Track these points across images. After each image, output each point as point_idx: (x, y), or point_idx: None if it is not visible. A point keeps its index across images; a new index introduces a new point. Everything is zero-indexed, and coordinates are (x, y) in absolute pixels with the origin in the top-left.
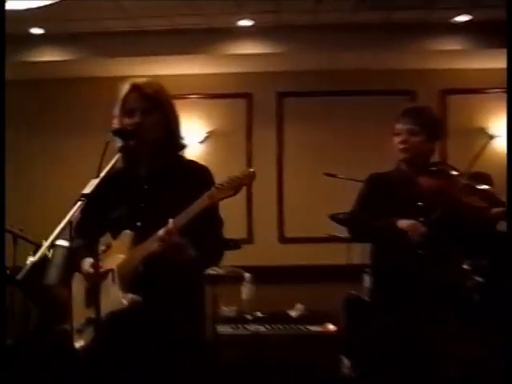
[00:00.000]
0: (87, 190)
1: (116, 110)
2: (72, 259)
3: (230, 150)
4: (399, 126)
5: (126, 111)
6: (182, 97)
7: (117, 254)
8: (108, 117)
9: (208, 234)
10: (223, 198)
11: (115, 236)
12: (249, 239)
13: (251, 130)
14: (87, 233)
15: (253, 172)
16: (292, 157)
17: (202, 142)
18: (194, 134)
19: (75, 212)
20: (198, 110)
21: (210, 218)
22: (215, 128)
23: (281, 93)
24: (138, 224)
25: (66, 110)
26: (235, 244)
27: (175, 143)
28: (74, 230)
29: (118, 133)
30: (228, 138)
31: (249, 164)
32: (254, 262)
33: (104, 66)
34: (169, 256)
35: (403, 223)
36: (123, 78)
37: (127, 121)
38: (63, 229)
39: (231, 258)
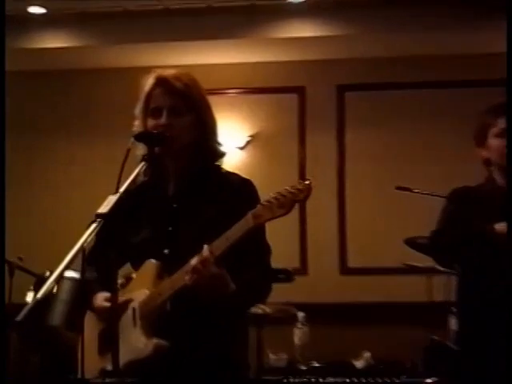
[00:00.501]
0: (103, 208)
1: (137, 110)
2: (83, 294)
3: (277, 158)
4: (502, 125)
5: (151, 111)
6: (217, 92)
7: (139, 288)
8: (126, 118)
9: (252, 264)
10: (271, 219)
11: (137, 266)
12: (302, 269)
13: (304, 132)
14: (103, 262)
15: (309, 185)
16: (356, 166)
17: (242, 149)
18: (233, 138)
19: (89, 237)
20: (238, 108)
21: (255, 244)
22: (259, 130)
23: (341, 86)
24: (166, 251)
25: (72, 109)
26: (286, 275)
27: (211, 150)
28: (87, 259)
29: (141, 137)
30: (275, 143)
31: (301, 175)
32: (309, 297)
33: (120, 54)
34: (204, 291)
35: (502, 227)
36: (145, 70)
37: (152, 122)
38: (73, 257)
39: (281, 293)
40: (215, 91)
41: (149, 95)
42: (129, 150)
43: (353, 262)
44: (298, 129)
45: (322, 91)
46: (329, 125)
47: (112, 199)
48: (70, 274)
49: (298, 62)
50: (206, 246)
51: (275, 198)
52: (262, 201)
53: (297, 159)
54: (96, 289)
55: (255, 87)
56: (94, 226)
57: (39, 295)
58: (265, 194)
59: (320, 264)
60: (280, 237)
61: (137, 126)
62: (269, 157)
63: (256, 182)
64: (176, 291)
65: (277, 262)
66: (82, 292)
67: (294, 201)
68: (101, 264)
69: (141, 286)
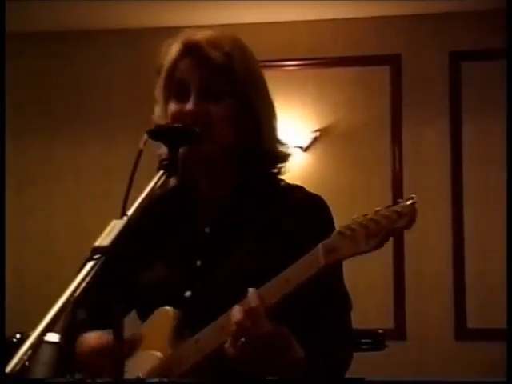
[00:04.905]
0: (104, 240)
1: (158, 90)
2: (70, 344)
3: (358, 162)
4: None
5: (176, 92)
6: (268, 65)
7: (147, 349)
8: (140, 99)
9: (325, 321)
10: (353, 255)
11: (145, 316)
12: (399, 332)
13: (400, 122)
14: (99, 305)
15: (413, 206)
16: (479, 172)
17: (306, 150)
18: (292, 134)
19: (82, 282)
20: (299, 89)
21: (328, 292)
22: (330, 123)
23: (456, 53)
24: (187, 294)
25: (67, 92)
26: (373, 341)
27: (266, 153)
28: (78, 301)
29: (158, 134)
30: (355, 140)
31: (397, 186)
32: (409, 371)
33: (134, 12)
34: (253, 361)
35: None
36: (165, 31)
37: (174, 107)
38: (59, 313)
39: (367, 365)
40: (265, 63)
41: (173, 68)
42: (141, 152)
43: (474, 322)
44: (390, 117)
45: (428, 61)
46: (437, 111)
47: (116, 226)
48: (52, 337)
49: (391, 19)
50: (252, 290)
51: (361, 225)
52: (339, 228)
53: (389, 162)
54: (83, 329)
55: (325, 57)
56: (88, 267)
57: (10, 365)
58: (340, 216)
59: (424, 324)
60: (366, 283)
61: (157, 113)
62: (345, 160)
63: (327, 198)
64: (205, 358)
65: (359, 321)
66: (68, 340)
67: (391, 230)
68: (95, 306)
69: (150, 345)
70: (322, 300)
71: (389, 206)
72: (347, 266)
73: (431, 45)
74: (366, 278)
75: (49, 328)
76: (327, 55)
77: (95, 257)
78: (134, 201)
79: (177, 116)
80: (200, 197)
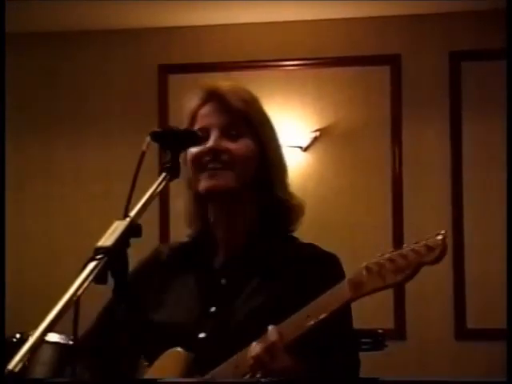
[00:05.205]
0: (106, 240)
1: None
2: None
3: (358, 164)
4: None
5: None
6: (267, 65)
7: None
8: (140, 99)
9: (337, 356)
10: (381, 289)
11: (153, 357)
12: (399, 332)
13: (400, 123)
14: (108, 352)
15: (443, 241)
16: (480, 174)
17: (306, 149)
18: (292, 134)
19: (85, 282)
20: (298, 88)
21: (340, 332)
22: (330, 122)
23: (456, 53)
24: (201, 336)
25: (67, 94)
26: (373, 341)
27: (281, 199)
28: (80, 347)
29: (162, 137)
30: (355, 141)
31: (396, 188)
32: (409, 371)
33: (134, 12)
34: None
35: None
36: (167, 31)
37: (197, 149)
38: (60, 314)
39: (367, 365)
40: (265, 63)
41: (194, 115)
42: (143, 154)
43: (474, 322)
44: (390, 117)
45: (428, 61)
46: (437, 111)
47: (119, 227)
48: (52, 337)
49: (391, 19)
50: (272, 326)
51: (389, 260)
52: (365, 264)
53: (389, 162)
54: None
55: (325, 57)
56: (91, 266)
57: (11, 364)
58: (340, 216)
59: (425, 325)
60: None
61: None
62: (345, 160)
63: (326, 198)
64: None
65: (359, 321)
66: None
67: (419, 264)
68: (104, 354)
69: None
70: (332, 340)
71: (417, 242)
72: (347, 265)
73: (431, 45)
74: None
75: (50, 328)
76: (327, 55)
77: (97, 257)
78: (135, 202)
79: (196, 157)
80: (216, 247)
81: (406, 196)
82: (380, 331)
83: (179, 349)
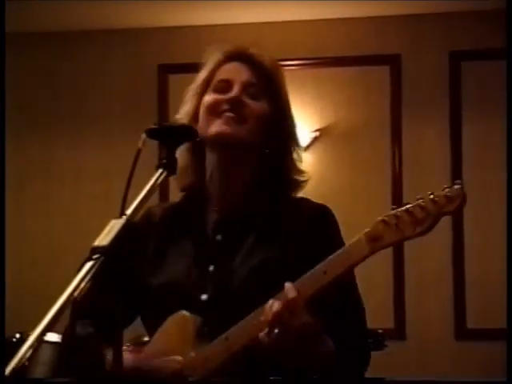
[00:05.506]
0: (103, 239)
1: (193, 86)
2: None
3: (358, 163)
4: None
5: (216, 88)
6: None
7: (166, 355)
8: (140, 99)
9: (344, 321)
10: (400, 241)
11: (154, 322)
12: (399, 332)
13: (400, 122)
14: (103, 313)
15: (460, 190)
16: (480, 174)
17: (306, 149)
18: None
19: (81, 282)
20: (299, 88)
21: (347, 295)
22: (330, 122)
23: (456, 53)
24: (204, 298)
25: (68, 94)
26: (374, 341)
27: (286, 171)
28: (78, 310)
29: (158, 133)
30: (355, 140)
31: (396, 187)
32: (409, 371)
33: (134, 12)
34: (290, 352)
35: None
36: (167, 31)
37: (214, 97)
38: (59, 314)
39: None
40: None
41: (216, 68)
42: (139, 152)
43: (474, 322)
44: (390, 117)
45: (428, 61)
46: (437, 111)
47: (115, 226)
48: (52, 337)
49: (391, 19)
50: (289, 283)
51: (407, 212)
52: (381, 217)
53: (389, 162)
54: (98, 346)
55: (325, 57)
56: (87, 267)
57: (11, 365)
58: (340, 216)
59: (425, 325)
60: (365, 283)
61: (182, 112)
62: (345, 160)
63: (326, 198)
64: (234, 354)
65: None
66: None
67: (439, 214)
68: (100, 316)
69: (170, 351)
70: (340, 303)
71: (434, 192)
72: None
73: (431, 45)
74: (366, 278)
75: (49, 328)
76: (327, 55)
77: (94, 257)
78: (132, 200)
79: (213, 104)
80: (210, 203)
81: (406, 196)
82: (380, 331)
83: (185, 312)
